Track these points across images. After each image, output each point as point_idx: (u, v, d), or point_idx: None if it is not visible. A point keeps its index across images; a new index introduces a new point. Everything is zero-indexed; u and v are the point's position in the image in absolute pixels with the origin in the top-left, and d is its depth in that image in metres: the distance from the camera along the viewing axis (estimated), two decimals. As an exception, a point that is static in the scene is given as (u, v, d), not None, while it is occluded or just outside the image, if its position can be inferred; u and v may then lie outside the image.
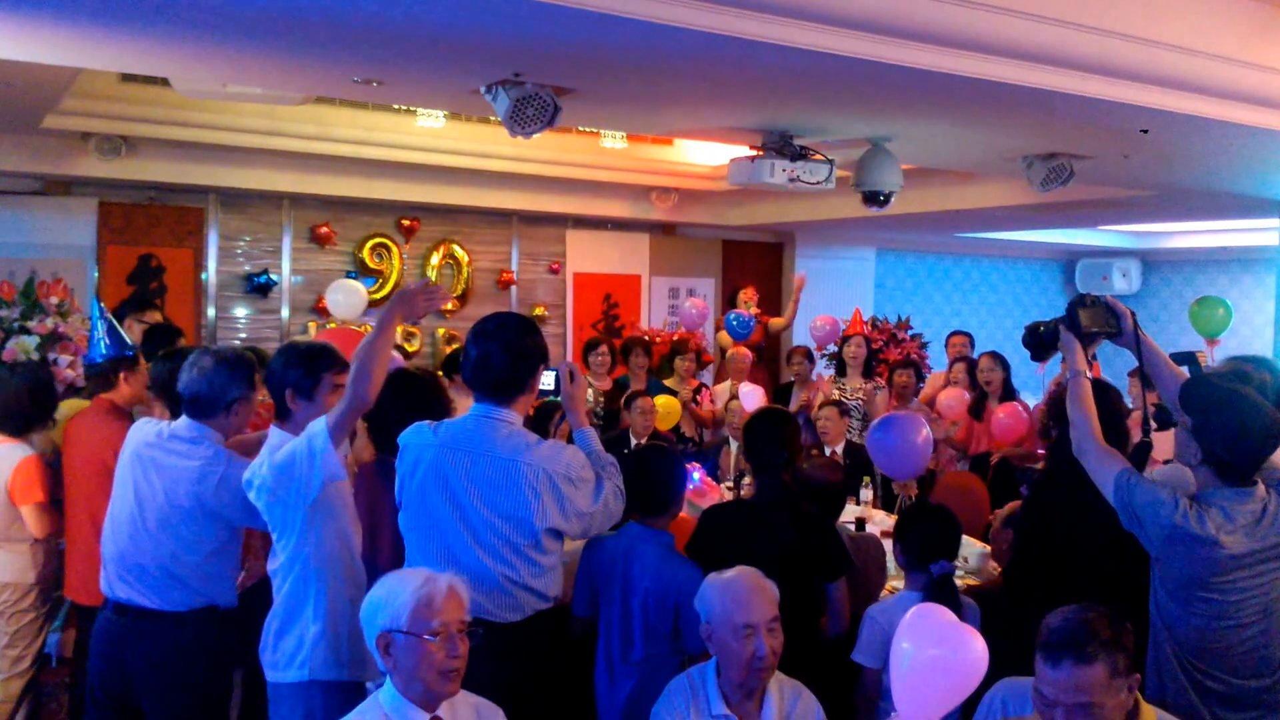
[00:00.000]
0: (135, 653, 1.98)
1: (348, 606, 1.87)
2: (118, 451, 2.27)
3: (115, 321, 2.80)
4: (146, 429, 2.10)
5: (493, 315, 1.86)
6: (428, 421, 1.86)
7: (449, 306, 5.49)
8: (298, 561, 1.88)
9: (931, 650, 1.53)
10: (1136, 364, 1.93)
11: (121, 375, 2.70)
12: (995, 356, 4.24)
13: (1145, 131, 2.64)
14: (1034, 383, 5.52)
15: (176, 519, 1.99)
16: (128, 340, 2.78)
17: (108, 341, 2.68)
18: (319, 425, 1.81)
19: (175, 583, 2.00)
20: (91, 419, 2.66)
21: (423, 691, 1.42)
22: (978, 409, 4.18)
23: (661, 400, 4.07)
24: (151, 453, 2.04)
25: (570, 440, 1.93)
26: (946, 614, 1.62)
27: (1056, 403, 2.07)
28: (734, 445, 4.00)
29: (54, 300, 3.60)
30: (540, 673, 1.83)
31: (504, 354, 1.77)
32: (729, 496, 3.32)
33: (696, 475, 3.33)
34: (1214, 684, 1.66)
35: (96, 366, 2.73)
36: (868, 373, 4.48)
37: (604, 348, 4.49)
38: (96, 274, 4.58)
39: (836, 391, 4.38)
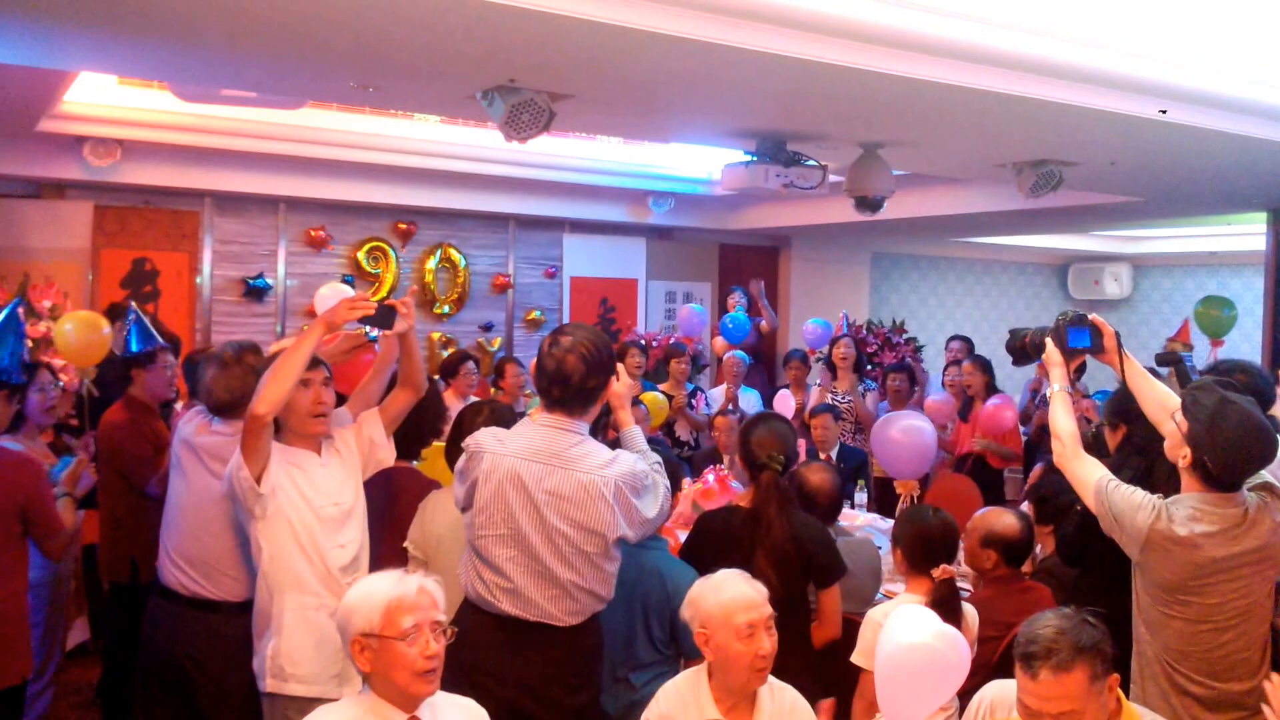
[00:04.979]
0: (190, 639, 2.00)
1: (324, 620, 1.86)
2: (134, 440, 2.47)
3: (145, 319, 2.92)
4: (193, 420, 2.14)
5: (565, 328, 1.85)
6: (497, 428, 1.87)
7: (442, 310, 5.49)
8: (260, 571, 1.89)
9: (915, 651, 1.54)
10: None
11: (134, 372, 2.80)
12: (976, 360, 4.37)
13: (1164, 112, 2.65)
14: (1010, 389, 5.56)
15: (231, 503, 2.01)
16: (156, 338, 2.88)
17: (136, 338, 2.78)
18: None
19: (230, 570, 2.02)
20: (116, 412, 2.80)
21: (400, 693, 1.42)
22: (964, 412, 4.23)
23: (648, 397, 4.05)
24: (202, 440, 2.08)
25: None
26: (930, 614, 1.63)
27: (1117, 401, 2.12)
28: (725, 458, 3.97)
29: (47, 304, 3.59)
30: (595, 669, 1.85)
31: (581, 366, 1.76)
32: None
33: (712, 476, 3.34)
34: (1195, 687, 1.66)
35: (120, 364, 2.90)
36: (859, 373, 4.50)
37: None
38: (91, 277, 4.56)
39: (828, 395, 4.41)
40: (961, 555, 2.36)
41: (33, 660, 2.23)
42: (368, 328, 2.07)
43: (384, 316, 1.97)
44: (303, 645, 1.85)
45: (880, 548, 2.66)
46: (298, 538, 1.87)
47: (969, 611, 2.05)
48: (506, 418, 2.07)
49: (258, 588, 1.89)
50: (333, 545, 1.91)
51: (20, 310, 2.51)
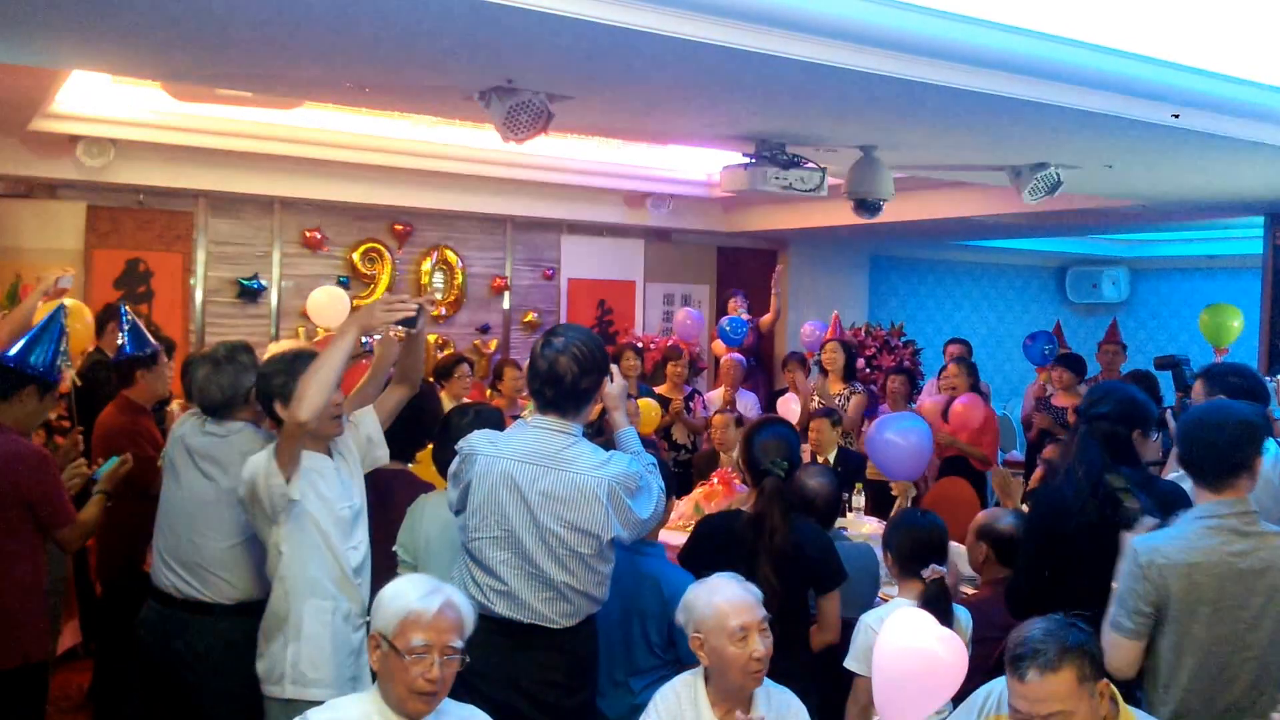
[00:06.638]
0: (184, 642, 1.99)
1: (340, 623, 1.86)
2: (136, 442, 2.47)
3: (139, 322, 2.89)
4: (189, 422, 2.13)
5: (558, 328, 1.85)
6: (490, 430, 1.86)
7: (439, 312, 5.47)
8: (275, 577, 1.87)
9: (911, 654, 1.54)
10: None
11: (138, 373, 2.80)
12: (961, 363, 4.41)
13: (1176, 116, 2.66)
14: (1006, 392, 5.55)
15: (225, 504, 2.00)
16: (150, 340, 2.86)
17: (129, 341, 2.77)
18: (271, 445, 1.83)
19: (223, 572, 2.00)
20: (113, 414, 2.79)
21: (397, 704, 1.41)
22: (947, 413, 4.25)
23: (642, 403, 4.03)
24: (195, 442, 2.07)
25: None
26: (927, 617, 1.63)
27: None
28: (722, 457, 3.98)
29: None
30: (590, 671, 1.84)
31: (573, 367, 1.75)
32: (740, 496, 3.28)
33: (716, 478, 3.35)
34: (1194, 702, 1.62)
35: (119, 365, 2.88)
36: (849, 377, 4.49)
37: None
38: (84, 278, 4.53)
39: (818, 399, 4.40)
40: (955, 558, 2.37)
41: (48, 643, 2.21)
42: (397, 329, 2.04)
43: (413, 316, 1.97)
44: (323, 649, 1.84)
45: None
46: (319, 541, 1.86)
47: (961, 613, 2.05)
48: (494, 421, 2.06)
49: (273, 592, 1.87)
50: (347, 547, 1.90)
51: (63, 316, 2.52)
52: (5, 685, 2.01)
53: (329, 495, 1.88)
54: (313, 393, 1.77)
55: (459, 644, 1.42)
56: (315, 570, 1.85)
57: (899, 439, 3.46)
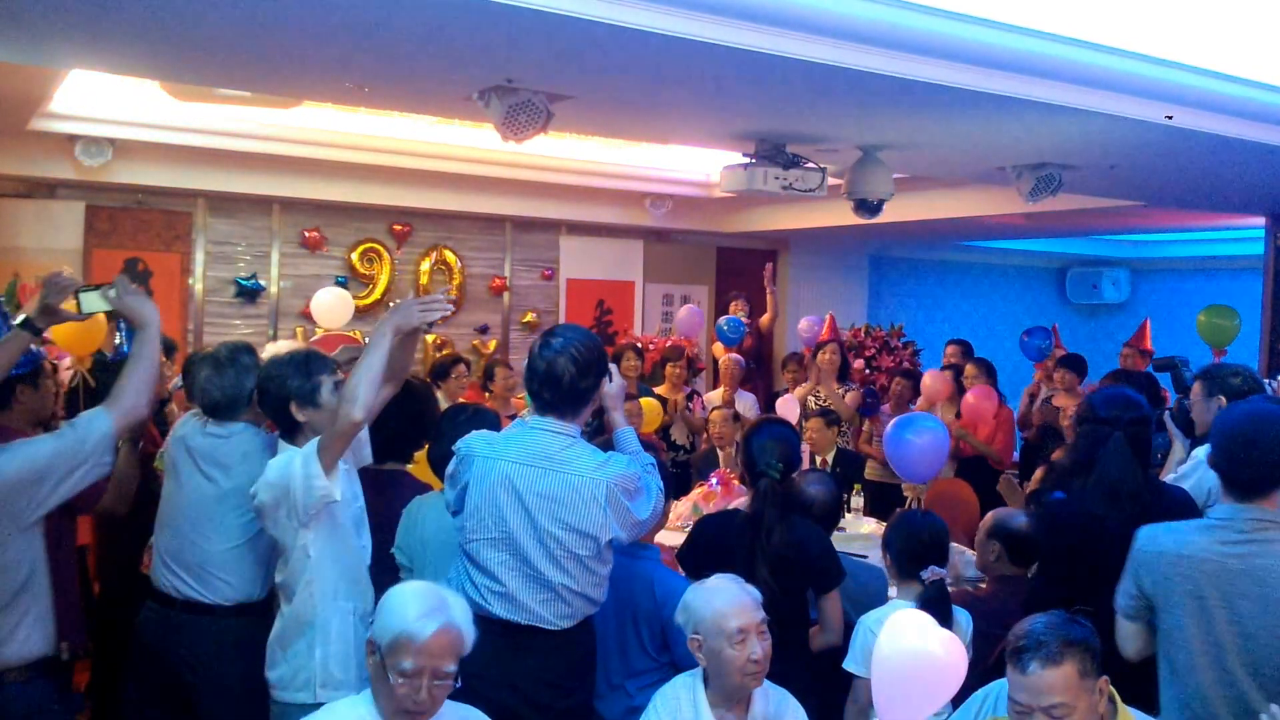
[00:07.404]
0: (185, 644, 1.98)
1: (357, 623, 1.85)
2: (133, 443, 2.43)
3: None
4: (190, 423, 2.12)
5: (556, 329, 1.85)
6: (486, 431, 1.86)
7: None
8: (300, 581, 1.85)
9: (911, 654, 1.55)
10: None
11: None
12: (980, 363, 4.39)
13: (1169, 118, 2.67)
14: (1007, 393, 5.58)
15: (227, 505, 1.99)
16: None
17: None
18: (310, 446, 1.80)
19: (224, 574, 1.99)
20: None
21: (388, 713, 1.40)
22: (960, 411, 4.24)
23: (644, 403, 4.03)
24: (196, 443, 2.06)
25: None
26: (927, 618, 1.63)
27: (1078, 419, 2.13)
28: (720, 454, 3.99)
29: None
30: (587, 672, 1.84)
31: (571, 368, 1.76)
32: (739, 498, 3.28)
33: (715, 479, 3.35)
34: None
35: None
36: (843, 378, 4.48)
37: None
38: (83, 278, 4.52)
39: (812, 399, 4.40)
40: (955, 559, 2.37)
41: (80, 632, 2.18)
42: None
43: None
44: (349, 650, 1.84)
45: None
46: (344, 542, 1.86)
47: (960, 615, 2.05)
48: (491, 421, 2.05)
49: (296, 596, 1.85)
50: (359, 545, 1.91)
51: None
52: (32, 677, 2.00)
53: (345, 494, 1.88)
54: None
55: (452, 668, 1.40)
56: (341, 571, 1.85)
57: (915, 438, 3.46)
